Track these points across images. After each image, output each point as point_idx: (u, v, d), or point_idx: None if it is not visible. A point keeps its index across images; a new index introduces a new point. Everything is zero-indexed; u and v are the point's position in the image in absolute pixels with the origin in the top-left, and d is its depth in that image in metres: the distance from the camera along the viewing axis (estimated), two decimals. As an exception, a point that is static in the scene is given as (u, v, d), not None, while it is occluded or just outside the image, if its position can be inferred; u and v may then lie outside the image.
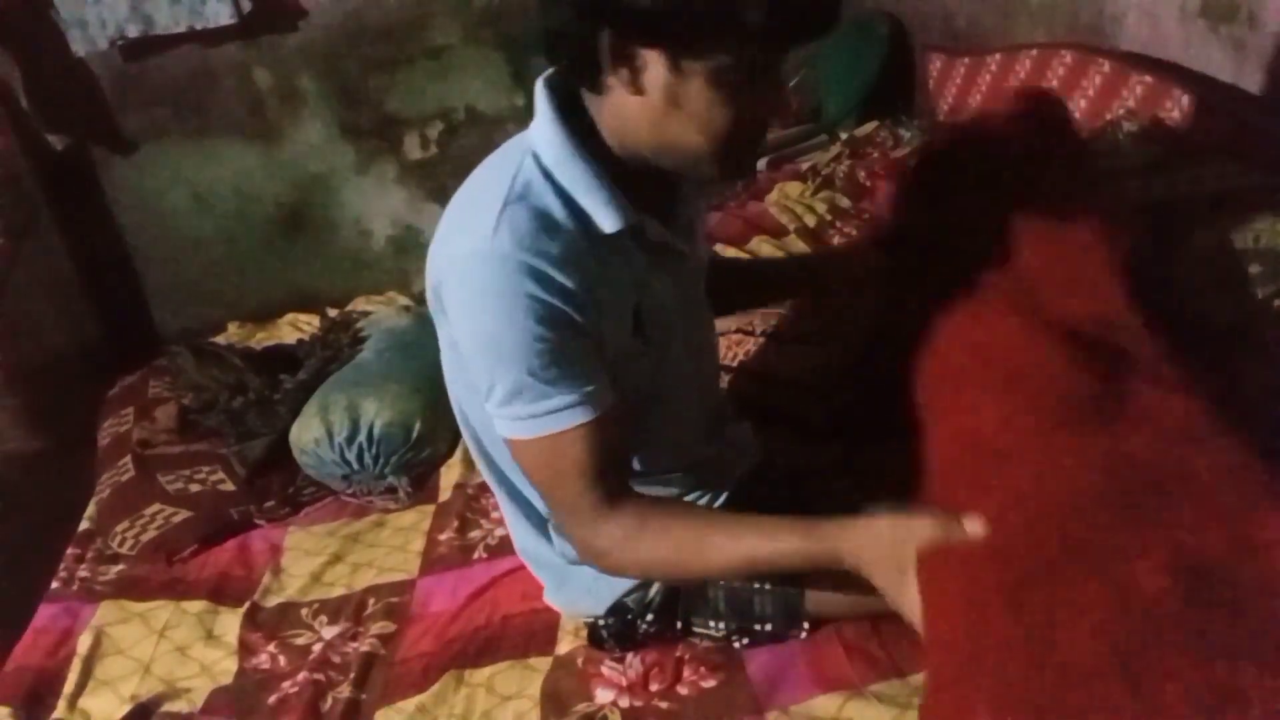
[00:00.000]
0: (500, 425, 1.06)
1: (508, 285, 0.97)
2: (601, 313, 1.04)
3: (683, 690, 1.23)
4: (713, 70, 0.94)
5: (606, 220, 1.03)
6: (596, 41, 0.95)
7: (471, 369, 1.07)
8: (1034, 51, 2.21)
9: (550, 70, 1.07)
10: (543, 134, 1.04)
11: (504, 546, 1.60)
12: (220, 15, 2.56)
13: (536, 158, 1.03)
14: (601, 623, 1.29)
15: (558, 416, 1.02)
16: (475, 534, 1.65)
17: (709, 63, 0.94)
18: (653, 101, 0.97)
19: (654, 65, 0.95)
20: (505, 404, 1.03)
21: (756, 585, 1.24)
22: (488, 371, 1.03)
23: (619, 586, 1.26)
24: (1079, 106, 2.06)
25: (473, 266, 0.99)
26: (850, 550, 0.99)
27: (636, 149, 1.03)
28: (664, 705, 1.22)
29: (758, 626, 1.24)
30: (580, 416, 1.03)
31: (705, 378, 1.34)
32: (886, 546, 0.97)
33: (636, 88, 0.97)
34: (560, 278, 0.98)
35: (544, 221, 1.00)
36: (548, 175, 1.02)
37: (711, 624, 1.27)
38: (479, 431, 1.24)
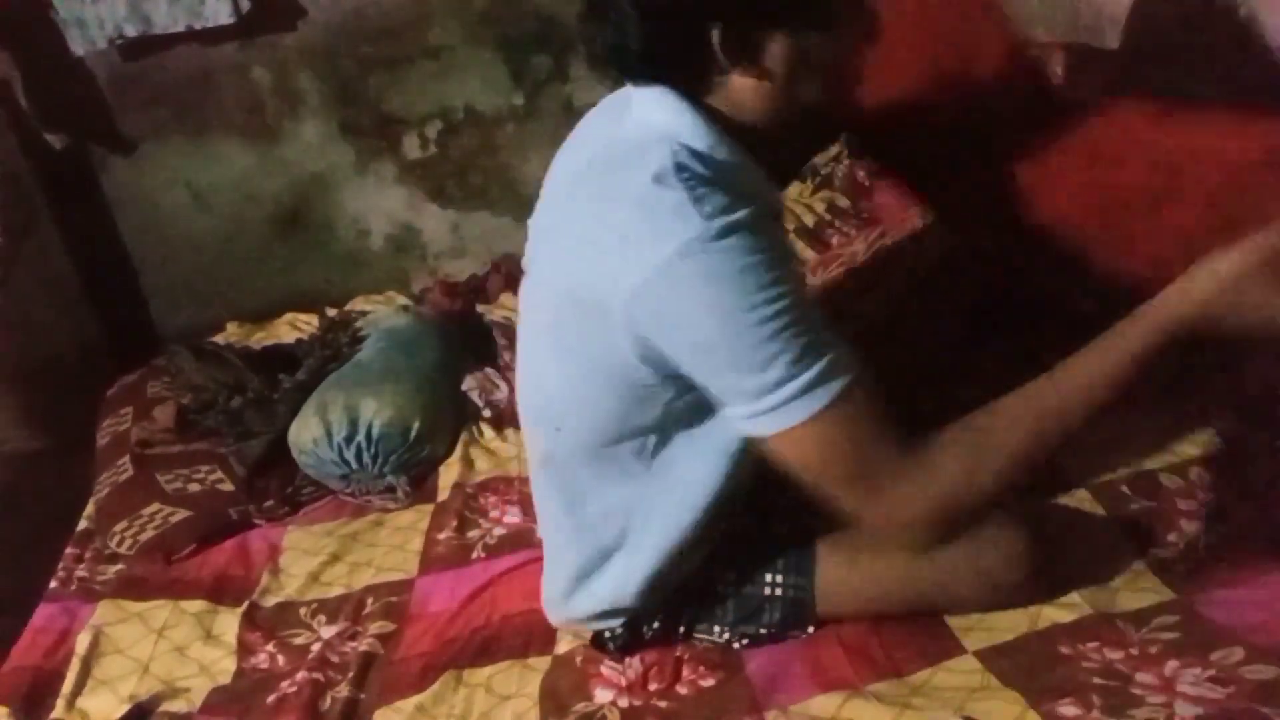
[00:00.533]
0: (769, 421, 0.96)
1: (746, 253, 0.93)
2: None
3: (682, 690, 1.23)
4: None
5: (768, 195, 1.05)
6: (707, 44, 0.97)
7: (714, 369, 0.98)
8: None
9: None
10: (683, 122, 1.01)
11: (503, 545, 1.60)
12: (219, 15, 2.55)
13: (686, 146, 0.99)
14: (608, 633, 1.29)
15: (832, 365, 0.95)
16: (474, 533, 1.65)
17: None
18: (776, 76, 1.00)
19: (774, 44, 0.98)
20: (773, 388, 0.94)
21: (767, 592, 1.23)
22: (740, 368, 0.95)
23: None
24: (1078, 106, 2.06)
25: (697, 257, 0.92)
26: (1196, 302, 0.94)
27: (754, 127, 1.04)
28: (663, 705, 1.22)
29: (762, 630, 1.24)
30: (852, 368, 0.96)
31: None
32: (1235, 272, 0.93)
33: (760, 71, 0.99)
34: (753, 216, 0.95)
35: (735, 192, 0.97)
36: (706, 159, 0.99)
37: (716, 629, 1.26)
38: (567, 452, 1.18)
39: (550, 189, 1.24)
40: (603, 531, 1.21)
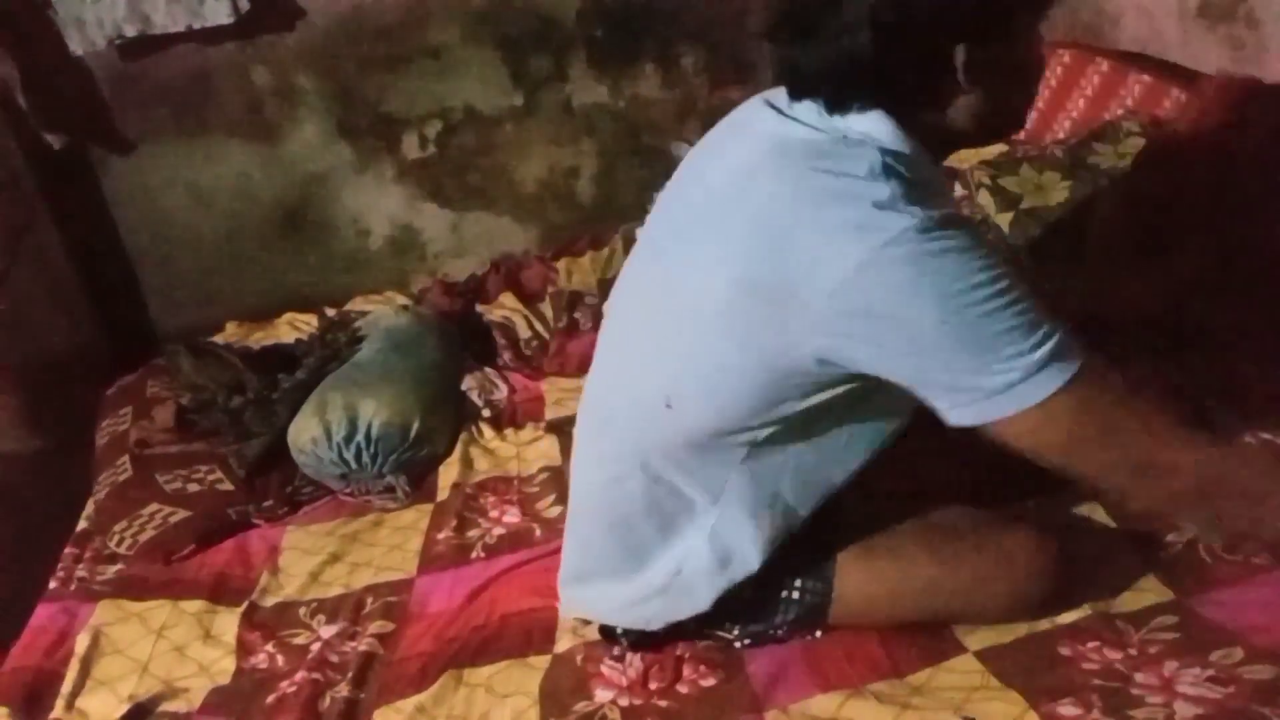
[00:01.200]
0: (1015, 398, 0.93)
1: (963, 241, 0.93)
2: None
3: (682, 689, 1.23)
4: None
5: (945, 189, 1.12)
6: (946, 62, 0.98)
7: (953, 363, 0.94)
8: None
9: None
10: (883, 129, 1.00)
11: (502, 545, 1.60)
12: (218, 15, 2.55)
13: (889, 150, 0.99)
14: (621, 630, 1.29)
15: (1074, 350, 0.94)
16: (473, 533, 1.65)
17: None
18: (991, 86, 1.01)
19: (984, 54, 0.98)
20: (1011, 366, 0.92)
21: (785, 594, 1.23)
22: (969, 350, 0.93)
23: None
24: (1077, 105, 2.06)
25: (912, 245, 0.91)
26: None
27: (957, 135, 1.06)
28: (663, 704, 1.21)
29: (772, 631, 1.25)
30: (1081, 346, 0.95)
31: None
32: None
33: (979, 83, 1.00)
34: (963, 234, 0.95)
35: (936, 194, 1.00)
36: (908, 162, 0.99)
37: (728, 624, 1.26)
38: (691, 416, 1.12)
39: (687, 188, 1.20)
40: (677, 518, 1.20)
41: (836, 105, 1.02)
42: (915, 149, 1.01)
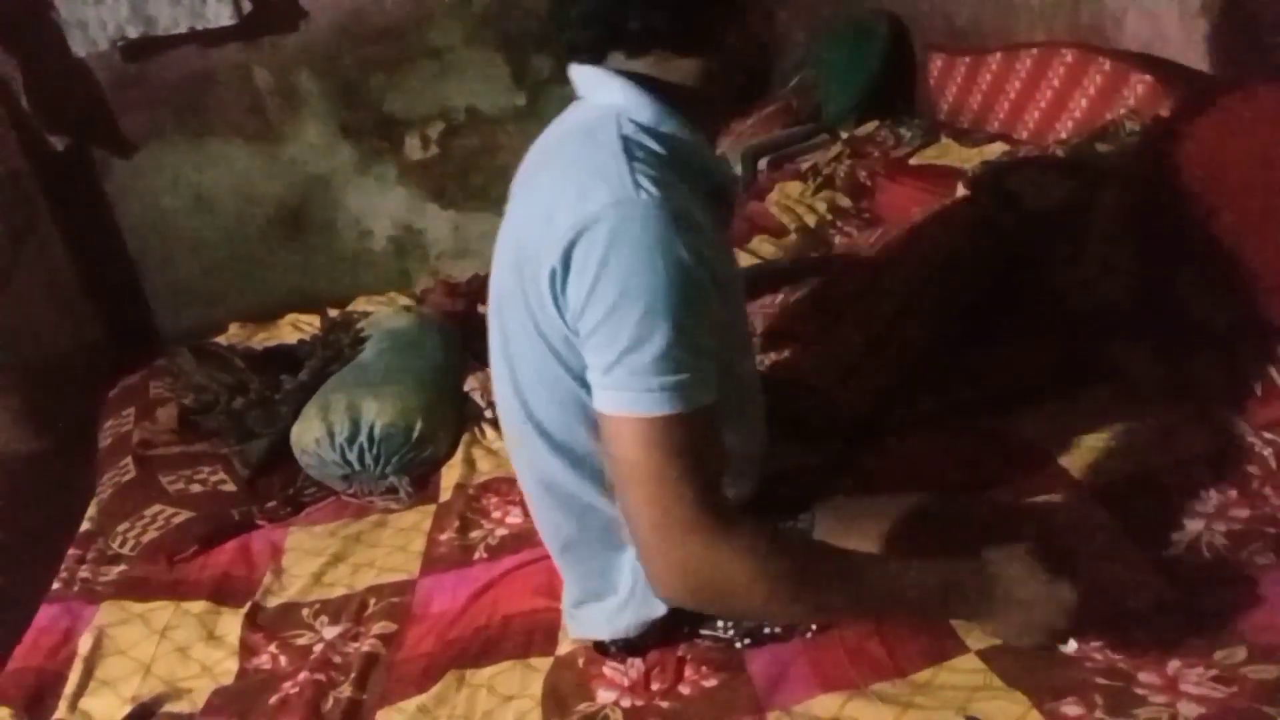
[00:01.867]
0: (625, 398, 0.94)
1: (664, 235, 0.92)
2: (716, 280, 0.98)
3: (684, 690, 1.23)
4: None
5: (719, 171, 1.09)
6: (702, 23, 1.01)
7: (595, 338, 0.96)
8: (1035, 51, 2.21)
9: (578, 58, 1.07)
10: (629, 98, 1.02)
11: (504, 546, 1.60)
12: (221, 16, 2.56)
13: (632, 120, 1.00)
14: (610, 642, 1.28)
15: (702, 387, 0.94)
16: (476, 534, 1.65)
17: None
18: (733, 50, 1.04)
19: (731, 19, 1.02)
20: (646, 372, 0.93)
21: None
22: (631, 330, 0.92)
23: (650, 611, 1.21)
24: (1080, 106, 2.06)
25: (625, 220, 0.92)
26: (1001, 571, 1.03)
27: (709, 100, 1.06)
28: (665, 705, 1.21)
29: (766, 630, 1.24)
30: (710, 394, 0.95)
31: (756, 375, 1.28)
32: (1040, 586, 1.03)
33: (721, 44, 1.03)
34: (703, 232, 0.96)
35: (672, 175, 0.97)
36: (652, 133, 1.00)
37: (720, 625, 1.26)
38: (551, 432, 1.12)
39: (512, 192, 1.18)
40: (606, 545, 1.20)
41: (594, 59, 1.05)
42: (667, 118, 1.02)
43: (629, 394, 0.94)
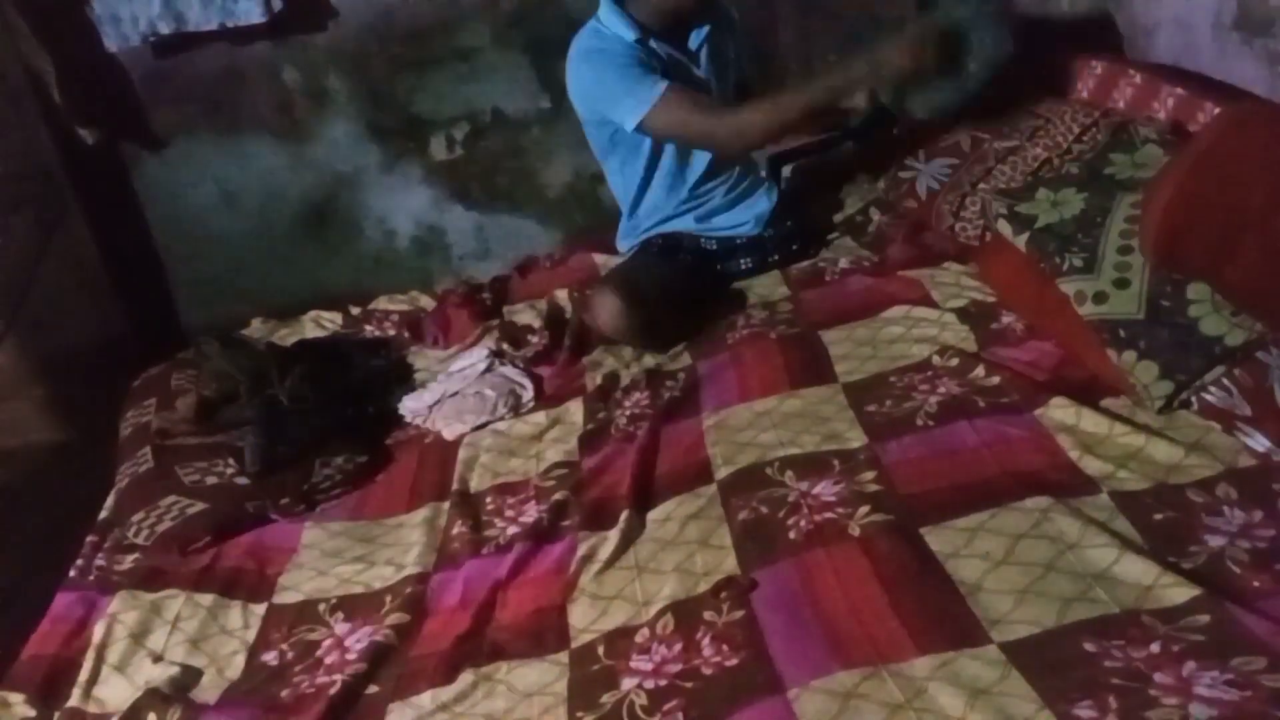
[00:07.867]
0: (638, 116, 2.02)
1: (591, 49, 2.09)
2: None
3: (706, 670, 1.24)
4: None
5: (626, 33, 2.07)
6: None
7: (598, 112, 2.13)
8: (1065, 62, 2.19)
9: None
10: (604, 13, 2.10)
11: (518, 542, 1.59)
12: (251, 14, 2.57)
13: (601, 25, 2.11)
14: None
15: (664, 87, 2.00)
16: (490, 531, 1.65)
17: None
18: None
19: None
20: (635, 105, 2.02)
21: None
22: (611, 98, 2.06)
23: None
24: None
25: (576, 55, 2.12)
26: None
27: (662, 16, 2.11)
28: (688, 685, 1.22)
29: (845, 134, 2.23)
30: (670, 86, 2.02)
31: None
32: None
33: None
34: (614, 42, 2.07)
35: (599, 26, 2.11)
36: (607, 34, 2.09)
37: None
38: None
39: None
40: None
41: None
42: (628, 26, 2.07)
43: (641, 111, 2.03)
